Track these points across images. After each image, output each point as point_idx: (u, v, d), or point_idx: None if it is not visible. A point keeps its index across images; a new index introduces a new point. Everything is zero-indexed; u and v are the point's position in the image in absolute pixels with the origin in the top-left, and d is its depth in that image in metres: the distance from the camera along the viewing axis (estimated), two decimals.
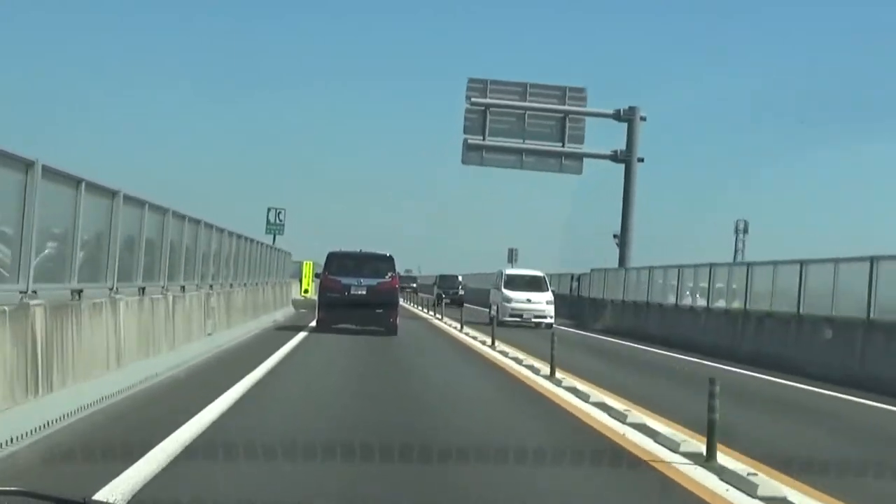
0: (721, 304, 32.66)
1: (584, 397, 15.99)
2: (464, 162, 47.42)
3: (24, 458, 9.25)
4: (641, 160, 47.09)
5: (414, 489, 8.69)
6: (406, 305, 64.35)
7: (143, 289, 16.41)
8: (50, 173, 10.98)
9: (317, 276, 33.92)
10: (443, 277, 66.92)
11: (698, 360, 27.23)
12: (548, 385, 18.00)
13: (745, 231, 77.35)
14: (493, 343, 27.00)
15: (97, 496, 6.97)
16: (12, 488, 3.77)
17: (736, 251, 75.98)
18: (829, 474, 10.29)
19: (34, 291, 10.65)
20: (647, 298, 39.44)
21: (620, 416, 13.63)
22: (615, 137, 48.51)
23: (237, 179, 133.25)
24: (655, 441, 11.69)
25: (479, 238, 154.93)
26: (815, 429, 15.33)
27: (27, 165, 10.45)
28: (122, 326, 14.24)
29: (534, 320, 40.00)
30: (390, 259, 30.64)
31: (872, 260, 23.02)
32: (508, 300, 40.32)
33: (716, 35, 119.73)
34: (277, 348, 23.68)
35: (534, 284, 41.20)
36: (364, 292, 29.51)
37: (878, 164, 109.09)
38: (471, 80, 47.08)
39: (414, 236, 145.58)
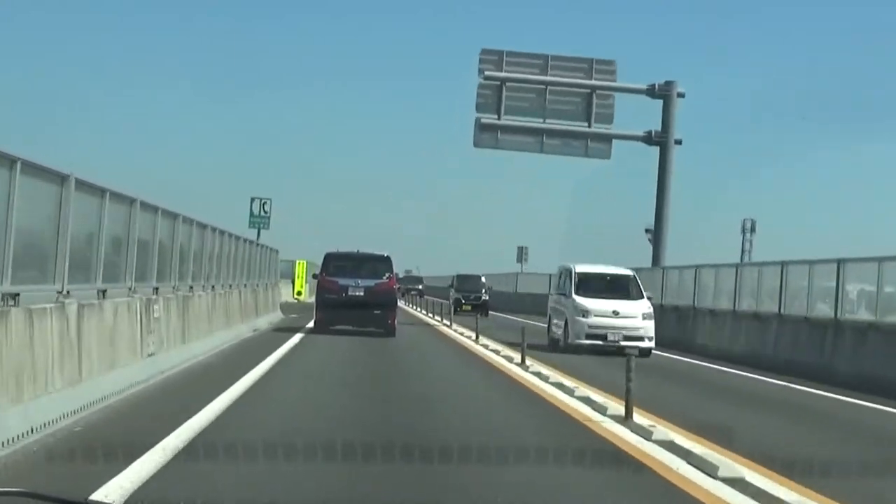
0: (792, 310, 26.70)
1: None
2: (476, 144, 41.49)
3: None
4: (679, 142, 41.17)
5: None
6: (409, 309, 58.30)
7: (16, 296, 10.57)
8: None
9: (314, 276, 33.19)
10: (462, 278, 55.50)
11: (787, 384, 21.38)
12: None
13: (753, 230, 76.55)
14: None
15: None
16: (13, 489, 3.79)
17: (743, 251, 75.54)
18: None
19: None
20: (694, 303, 33.48)
21: None
22: (642, 118, 42.71)
23: (237, 179, 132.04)
24: None
25: (481, 236, 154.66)
26: None
27: None
28: None
29: (623, 343, 26.36)
30: (388, 260, 30.47)
31: None
32: (584, 312, 27.00)
33: (716, 35, 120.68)
34: (244, 373, 17.77)
35: (620, 288, 28.08)
36: (361, 293, 29.33)
37: (878, 164, 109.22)
38: (484, 52, 41.15)
39: (414, 236, 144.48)
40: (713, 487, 9.40)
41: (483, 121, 40.94)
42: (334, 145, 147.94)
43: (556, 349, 27.71)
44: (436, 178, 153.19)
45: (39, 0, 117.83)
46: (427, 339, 31.70)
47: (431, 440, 11.40)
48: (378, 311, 29.28)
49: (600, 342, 26.78)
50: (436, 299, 57.14)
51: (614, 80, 41.16)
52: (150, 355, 16.34)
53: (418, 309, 55.85)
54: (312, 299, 68.02)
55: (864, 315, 23.15)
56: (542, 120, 41.18)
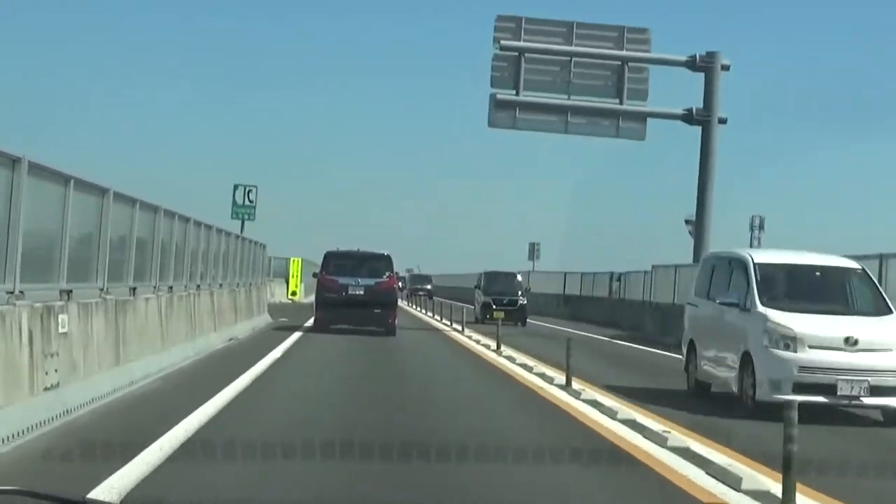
0: None
1: None
2: (491, 124, 36.25)
3: None
4: (724, 121, 35.93)
5: None
6: (416, 312, 53.06)
7: None
8: None
9: (314, 275, 32.24)
10: (492, 277, 43.61)
11: None
12: None
13: (762, 228, 73.85)
14: None
15: None
16: (11, 487, 3.67)
17: (751, 247, 73.66)
18: None
19: None
20: None
21: None
22: (679, 95, 37.59)
23: (237, 179, 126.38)
24: None
25: (482, 235, 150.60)
26: None
27: None
28: None
29: (868, 400, 14.69)
30: (388, 258, 30.47)
31: None
32: (787, 340, 14.81)
33: (716, 34, 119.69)
34: (196, 406, 12.57)
35: (840, 294, 16.17)
36: (362, 292, 29.18)
37: (878, 164, 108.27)
38: (500, 19, 35.88)
39: (414, 235, 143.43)
40: None
41: (499, 97, 35.72)
42: (334, 145, 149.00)
43: (711, 402, 16.43)
44: (436, 176, 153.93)
45: (39, 0, 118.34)
46: (454, 363, 26.68)
47: None
48: (378, 311, 29.04)
49: (824, 398, 14.51)
50: (444, 300, 51.93)
51: (648, 51, 35.96)
52: (49, 388, 11.19)
53: (426, 312, 50.32)
54: (308, 300, 63.43)
55: None
56: (566, 96, 35.96)
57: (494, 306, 40.55)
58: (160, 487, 8.31)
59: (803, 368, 14.54)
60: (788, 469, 8.08)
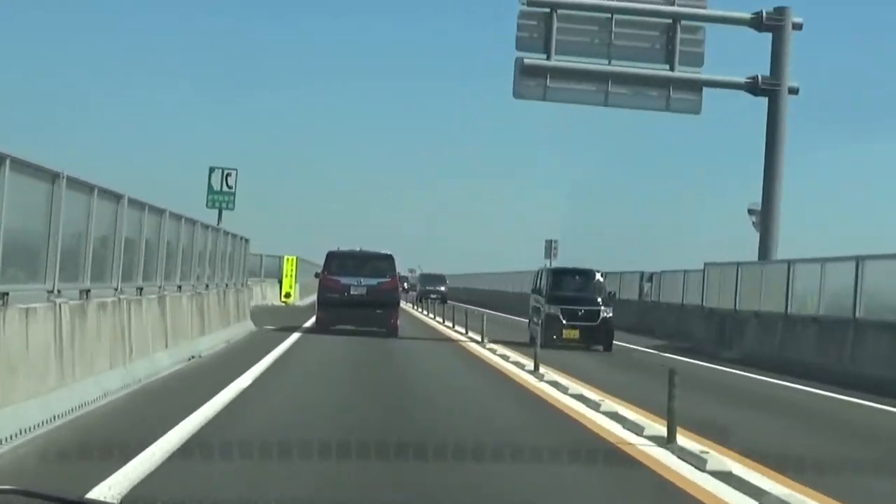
0: None
1: None
2: (517, 95, 30.34)
3: None
4: (795, 91, 30.03)
5: None
6: (428, 319, 47.00)
7: None
8: None
9: (316, 276, 31.33)
10: (560, 276, 30.41)
11: None
12: None
13: None
14: None
15: None
16: (7, 487, 3.73)
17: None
18: None
19: None
20: (856, 312, 22.38)
21: None
22: (738, 60, 31.77)
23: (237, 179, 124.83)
24: None
25: (487, 234, 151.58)
26: None
27: None
28: None
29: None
30: (391, 258, 30.23)
31: None
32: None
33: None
34: None
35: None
36: (364, 292, 29.00)
37: (879, 163, 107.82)
38: None
39: (414, 235, 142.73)
40: None
41: (527, 62, 29.87)
42: (334, 145, 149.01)
43: None
44: (437, 176, 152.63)
45: (39, 0, 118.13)
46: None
47: None
48: (380, 311, 28.79)
49: None
50: (460, 305, 46.18)
51: (704, 7, 30.07)
52: None
53: (438, 319, 42.84)
54: (304, 302, 57.40)
55: None
56: (606, 61, 30.13)
57: (565, 321, 27.76)
58: None
59: None
60: None
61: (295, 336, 28.08)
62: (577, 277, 30.44)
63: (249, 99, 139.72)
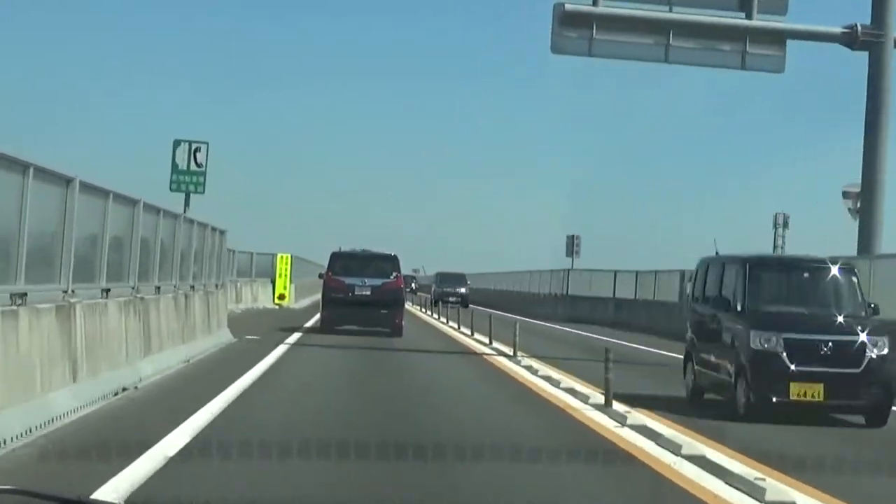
0: None
1: None
2: (556, 49, 24.34)
3: None
4: None
5: None
6: (446, 328, 40.86)
7: None
8: None
9: (319, 276, 31.12)
10: (769, 273, 15.89)
11: None
12: None
13: (786, 225, 72.44)
14: None
15: None
16: (8, 486, 3.67)
17: (775, 248, 71.58)
18: None
19: None
20: None
21: None
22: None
23: (236, 179, 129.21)
24: None
25: (486, 235, 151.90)
26: None
27: None
28: None
29: None
30: (395, 259, 30.12)
31: None
32: None
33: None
34: None
35: None
36: (368, 293, 28.88)
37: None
38: None
39: (415, 235, 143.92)
40: None
41: (568, 8, 23.92)
42: (334, 145, 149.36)
43: None
44: (437, 176, 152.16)
45: (39, 0, 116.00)
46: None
47: None
48: (385, 311, 28.76)
49: None
50: (477, 307, 40.30)
51: None
52: None
53: (456, 327, 35.53)
54: (300, 304, 51.29)
55: None
56: (666, 7, 24.25)
57: (794, 365, 14.08)
58: None
59: None
60: None
61: (280, 350, 22.32)
62: (805, 275, 15.77)
63: (249, 99, 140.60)
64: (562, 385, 17.04)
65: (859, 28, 24.08)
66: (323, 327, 29.14)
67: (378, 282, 28.96)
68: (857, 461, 11.18)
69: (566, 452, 10.83)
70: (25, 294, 10.67)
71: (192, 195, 25.78)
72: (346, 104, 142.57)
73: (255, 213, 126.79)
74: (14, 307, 10.31)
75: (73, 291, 12.37)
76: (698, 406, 15.28)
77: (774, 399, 13.83)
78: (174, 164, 25.66)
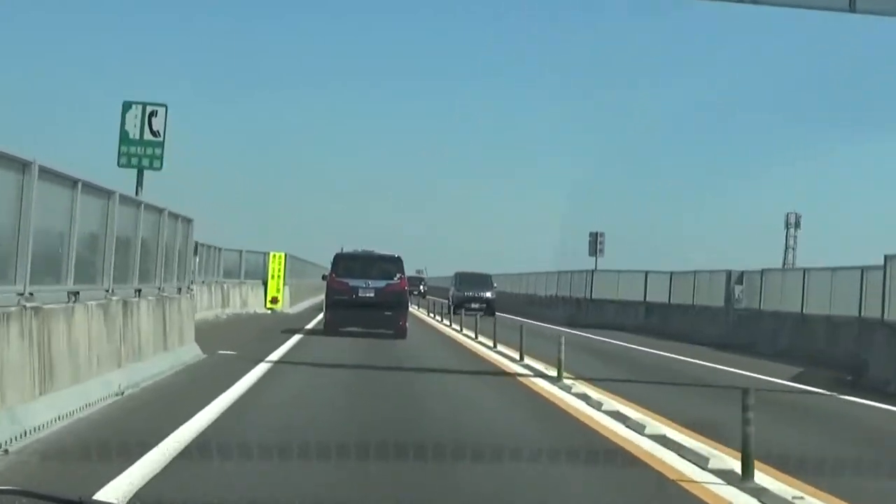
0: None
1: None
2: None
3: None
4: None
5: None
6: (469, 342, 34.78)
7: None
8: None
9: (323, 278, 31.45)
10: None
11: None
12: None
13: (798, 226, 71.64)
14: None
15: None
16: (9, 487, 3.59)
17: (787, 248, 70.64)
18: None
19: None
20: None
21: None
22: None
23: (236, 179, 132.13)
24: None
25: (488, 234, 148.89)
26: None
27: None
28: None
29: None
30: (399, 260, 30.11)
31: None
32: None
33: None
34: None
35: None
36: (372, 294, 28.96)
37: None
38: None
39: (415, 236, 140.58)
40: None
41: None
42: (334, 145, 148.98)
43: None
44: (437, 176, 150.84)
45: (39, 0, 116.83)
46: None
47: None
48: (389, 313, 28.59)
49: None
50: (509, 317, 35.35)
51: None
52: None
53: (479, 339, 28.92)
54: (296, 308, 46.27)
55: None
56: None
57: None
58: None
59: None
60: None
61: (255, 374, 17.20)
62: None
63: (249, 99, 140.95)
64: (647, 431, 11.87)
65: None
66: (327, 329, 29.04)
67: (382, 284, 28.73)
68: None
69: None
70: None
71: (145, 171, 20.46)
72: (346, 104, 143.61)
73: (255, 213, 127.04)
74: None
75: None
76: None
77: None
78: (123, 133, 20.21)
